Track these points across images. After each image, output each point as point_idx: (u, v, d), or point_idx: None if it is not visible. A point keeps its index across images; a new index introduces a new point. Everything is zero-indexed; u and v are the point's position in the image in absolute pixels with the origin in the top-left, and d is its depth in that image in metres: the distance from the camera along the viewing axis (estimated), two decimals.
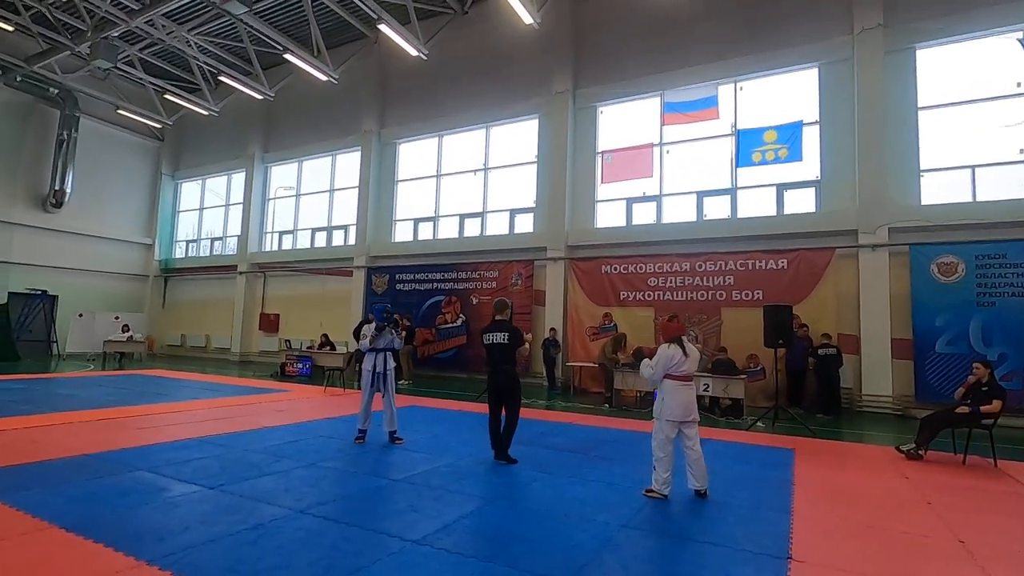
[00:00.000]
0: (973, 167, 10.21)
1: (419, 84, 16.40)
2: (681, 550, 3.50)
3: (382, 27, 13.61)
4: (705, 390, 9.41)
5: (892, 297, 10.28)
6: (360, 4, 13.44)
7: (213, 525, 3.60)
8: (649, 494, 4.54)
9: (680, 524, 3.97)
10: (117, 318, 18.45)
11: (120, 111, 19.67)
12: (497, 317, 5.84)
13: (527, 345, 5.80)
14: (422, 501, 4.27)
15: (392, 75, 17.08)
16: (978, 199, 10.07)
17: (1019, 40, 10.01)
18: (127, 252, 21.35)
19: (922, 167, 10.54)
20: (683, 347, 4.69)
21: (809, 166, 11.48)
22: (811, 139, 11.45)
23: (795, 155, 11.51)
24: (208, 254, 21.32)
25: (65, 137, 18.91)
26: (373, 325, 6.60)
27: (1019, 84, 10.07)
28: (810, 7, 11.56)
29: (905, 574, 3.22)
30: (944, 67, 10.56)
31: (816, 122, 11.44)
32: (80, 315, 18.03)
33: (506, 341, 5.62)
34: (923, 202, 10.43)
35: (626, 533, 3.71)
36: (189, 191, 22.62)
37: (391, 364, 6.66)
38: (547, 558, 3.23)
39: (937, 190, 10.44)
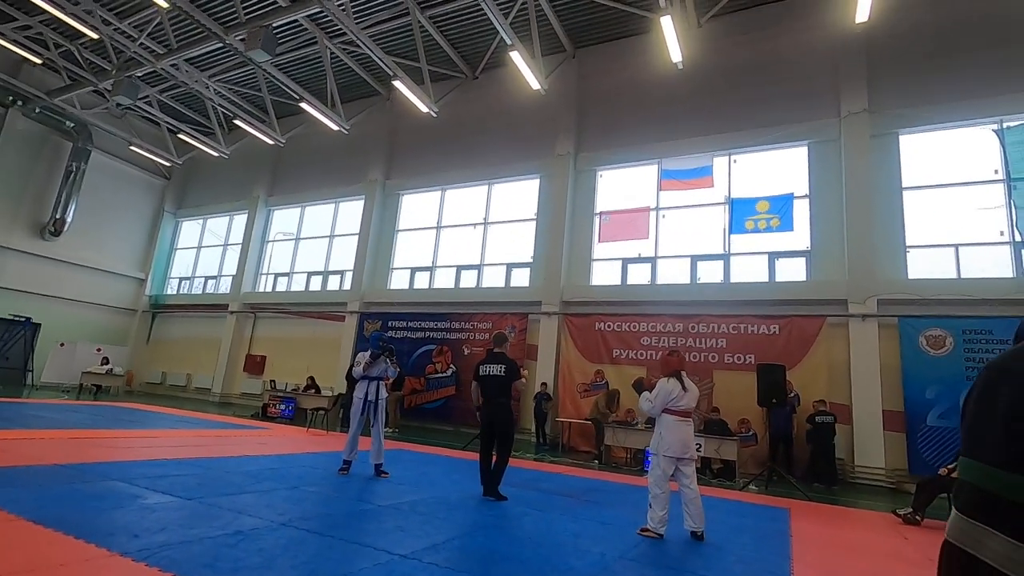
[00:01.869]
0: (957, 245, 10.61)
1: (427, 140, 17.06)
2: None
3: (396, 83, 14.33)
4: (697, 450, 9.23)
5: (883, 368, 10.34)
6: (378, 62, 14.22)
7: (191, 528, 3.42)
8: (644, 533, 4.38)
9: (678, 559, 3.82)
10: (99, 350, 18.05)
11: (132, 147, 20.17)
12: (495, 350, 5.81)
13: (523, 380, 5.74)
14: (410, 523, 4.08)
15: (401, 130, 17.79)
16: (963, 276, 10.39)
17: (994, 131, 10.71)
18: (118, 285, 21.18)
19: (908, 243, 10.92)
20: (682, 382, 4.67)
21: (800, 236, 11.87)
22: (802, 211, 11.91)
23: (787, 225, 11.93)
24: (201, 292, 21.21)
25: (74, 169, 19.23)
26: (368, 353, 6.52)
27: (996, 171, 10.67)
28: (800, 91, 12.36)
29: None
30: (927, 151, 11.19)
31: (806, 195, 11.94)
32: (62, 344, 17.62)
33: (503, 374, 5.57)
34: (910, 276, 10.74)
35: (623, 563, 3.56)
36: (189, 229, 22.80)
37: (383, 393, 6.53)
38: None
39: (923, 265, 10.77)
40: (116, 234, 21.16)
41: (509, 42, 12.24)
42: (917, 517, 6.15)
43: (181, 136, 19.72)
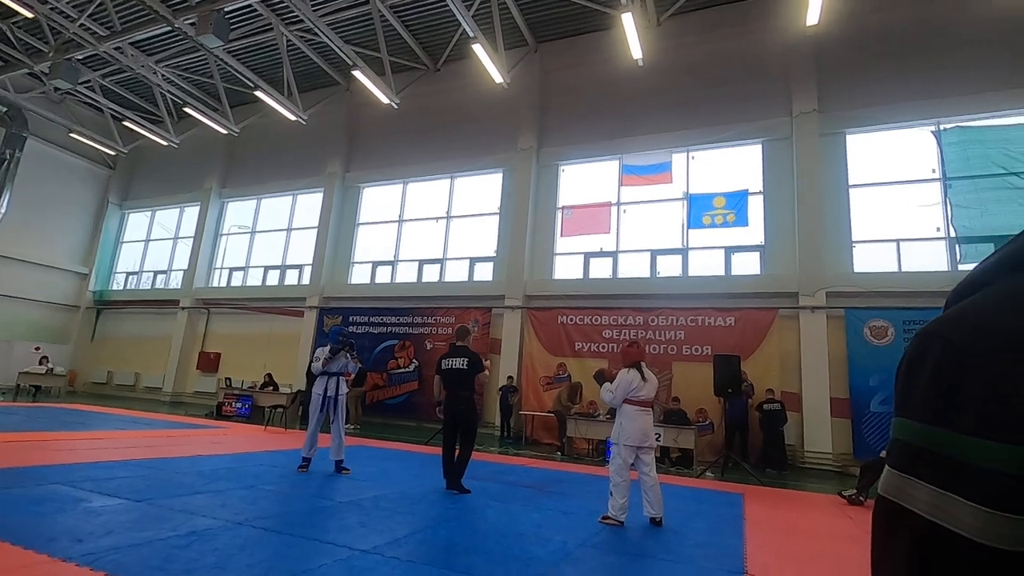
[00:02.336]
0: (898, 240, 11.18)
1: (388, 132, 16.78)
2: (640, 565, 3.43)
3: (357, 73, 14.02)
4: (657, 440, 9.45)
5: (830, 357, 10.82)
6: (338, 52, 13.88)
7: (140, 531, 3.29)
8: (606, 521, 4.46)
9: (638, 544, 3.91)
10: (37, 348, 17.08)
11: (73, 135, 19.07)
12: (458, 343, 5.80)
13: (487, 372, 5.74)
14: (371, 519, 4.04)
15: (362, 121, 17.44)
16: (903, 269, 10.96)
17: (932, 133, 11.30)
18: (59, 280, 20.04)
19: (854, 238, 11.45)
20: (642, 372, 4.77)
21: (754, 231, 12.26)
22: (756, 207, 12.30)
23: (741, 221, 12.30)
24: (150, 287, 20.31)
25: (7, 156, 18.04)
26: (328, 348, 6.39)
27: (933, 171, 11.28)
28: (754, 90, 12.73)
29: None
30: (872, 151, 11.73)
31: (760, 192, 12.34)
32: None
33: (466, 367, 5.56)
34: (856, 269, 11.26)
35: (584, 551, 3.62)
36: (136, 222, 21.75)
37: (343, 389, 6.41)
38: (504, 568, 3.10)
39: (868, 259, 11.31)
40: (56, 226, 20.00)
41: (471, 34, 12.14)
42: (861, 498, 6.47)
43: (127, 124, 18.75)
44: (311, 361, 6.52)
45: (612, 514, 4.46)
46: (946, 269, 10.55)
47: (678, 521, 4.68)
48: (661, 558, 3.57)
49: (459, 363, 5.59)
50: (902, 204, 11.25)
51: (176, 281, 19.51)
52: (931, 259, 10.80)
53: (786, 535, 4.62)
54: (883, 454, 6.79)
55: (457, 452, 5.54)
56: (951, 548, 0.32)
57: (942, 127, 11.12)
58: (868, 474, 6.59)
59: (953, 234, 10.70)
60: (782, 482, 8.44)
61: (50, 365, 15.73)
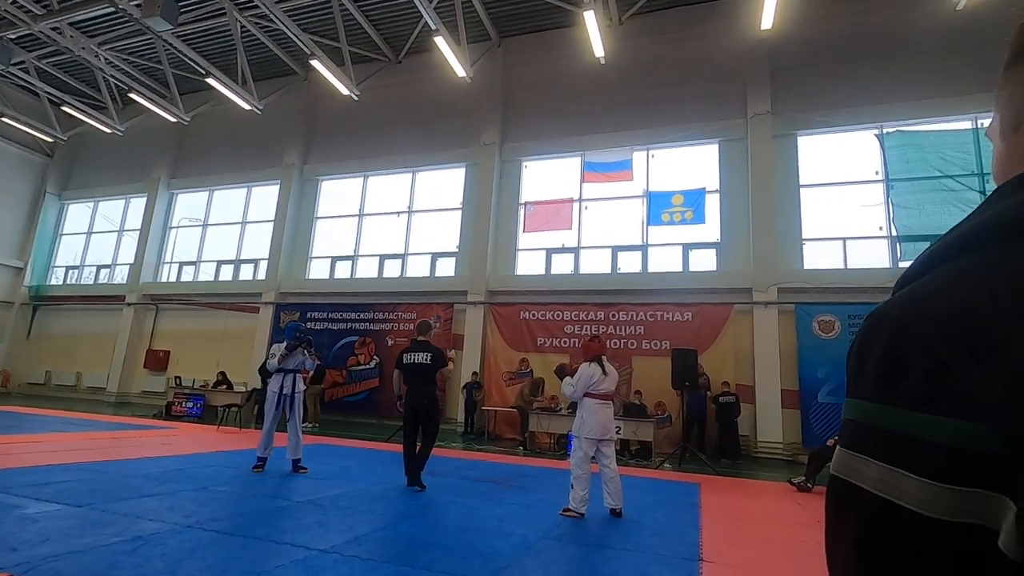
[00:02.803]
0: (844, 239, 11.69)
1: (347, 124, 16.42)
2: (601, 555, 3.48)
3: (315, 63, 13.65)
4: (617, 433, 9.62)
5: (782, 351, 11.24)
6: (295, 40, 13.48)
7: (81, 538, 3.12)
8: (566, 513, 4.50)
9: (599, 535, 3.97)
10: None
11: (4, 119, 17.87)
12: (419, 338, 5.74)
13: (450, 365, 5.71)
14: (330, 518, 3.96)
15: (320, 113, 17.00)
16: (849, 266, 11.48)
17: (876, 136, 11.86)
18: None
19: (804, 236, 11.91)
20: (603, 366, 4.83)
21: (711, 229, 12.59)
22: (713, 205, 12.63)
23: (699, 218, 12.61)
24: (92, 282, 19.27)
25: None
26: (284, 344, 6.22)
27: (876, 172, 11.84)
28: (712, 91, 13.06)
29: (804, 572, 3.40)
30: (821, 152, 12.22)
31: (717, 190, 12.68)
32: None
33: (428, 361, 5.51)
34: (805, 266, 11.72)
35: (546, 543, 3.65)
36: (76, 213, 20.59)
37: (300, 387, 6.25)
38: (466, 563, 3.09)
39: (816, 256, 11.80)
40: None
41: (434, 27, 12.00)
42: (809, 485, 6.75)
43: (65, 109, 17.72)
44: (267, 358, 6.33)
45: (573, 506, 4.51)
46: (888, 266, 11.11)
47: (637, 512, 4.77)
48: (620, 548, 3.64)
49: (421, 357, 5.53)
50: (848, 204, 11.77)
51: (121, 276, 18.59)
52: (874, 256, 11.34)
53: (739, 522, 4.78)
54: (830, 442, 7.11)
55: (418, 447, 5.49)
56: (899, 521, 0.33)
57: (885, 131, 11.67)
58: (815, 462, 6.88)
59: (894, 233, 11.26)
60: (736, 471, 8.72)
61: None
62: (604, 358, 4.92)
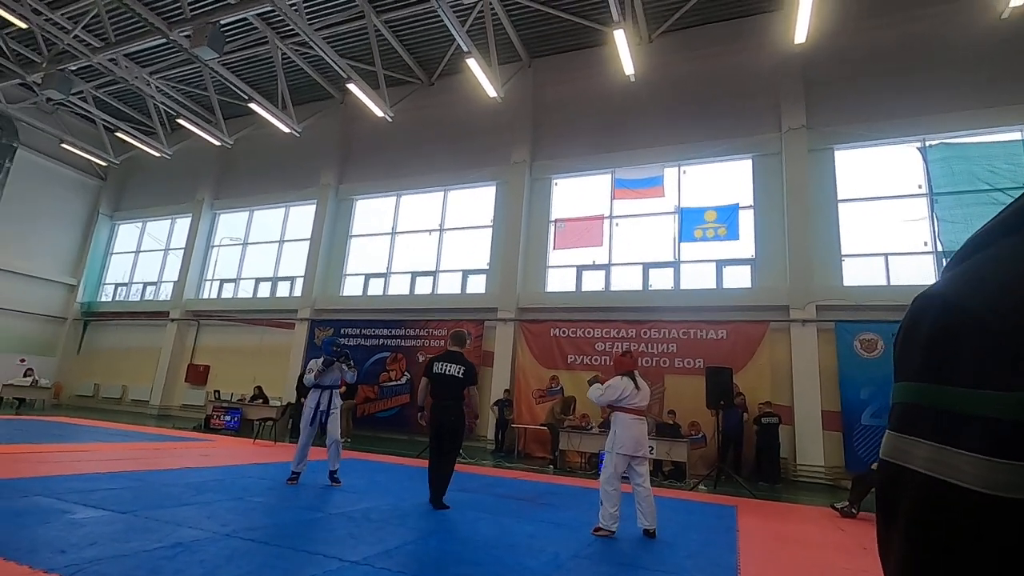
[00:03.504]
0: (886, 255, 11.31)
1: (381, 145, 16.85)
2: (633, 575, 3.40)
3: (351, 86, 14.10)
4: (650, 452, 9.42)
5: (821, 370, 10.87)
6: (332, 64, 13.97)
7: (125, 543, 3.22)
8: (598, 532, 4.42)
9: (631, 555, 3.87)
10: (22, 360, 16.83)
11: (64, 145, 18.98)
12: (453, 348, 5.54)
13: (475, 389, 5.53)
14: (361, 531, 3.98)
15: (355, 134, 17.50)
16: (892, 283, 11.08)
17: (918, 149, 11.51)
18: (47, 292, 19.81)
19: (843, 252, 11.57)
20: (635, 381, 4.77)
21: (745, 245, 12.36)
22: (747, 221, 12.41)
23: (732, 234, 12.40)
24: (139, 299, 20.11)
25: None
26: (321, 360, 6.30)
27: (920, 186, 11.46)
28: (745, 106, 12.93)
29: None
30: (860, 166, 11.91)
31: (751, 206, 12.47)
32: None
33: (460, 375, 5.32)
34: (845, 283, 11.36)
35: (577, 561, 3.58)
36: (126, 233, 21.61)
37: (337, 402, 6.29)
38: None
39: (857, 273, 11.43)
40: (45, 237, 19.82)
41: (466, 49, 12.27)
42: (853, 510, 6.46)
43: (119, 135, 18.73)
44: (302, 373, 6.43)
45: (603, 524, 4.42)
46: (933, 282, 10.65)
47: (671, 533, 4.64)
48: (654, 569, 3.54)
49: (454, 370, 5.27)
50: (890, 219, 11.41)
51: (166, 292, 19.35)
52: (919, 273, 10.92)
53: (779, 545, 4.60)
54: (874, 466, 6.82)
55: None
56: (952, 499, 0.33)
57: (928, 143, 11.32)
58: (859, 486, 6.59)
59: (940, 248, 10.84)
60: (775, 495, 8.41)
61: (35, 377, 15.50)
62: (636, 373, 4.85)
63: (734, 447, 10.18)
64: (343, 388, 6.55)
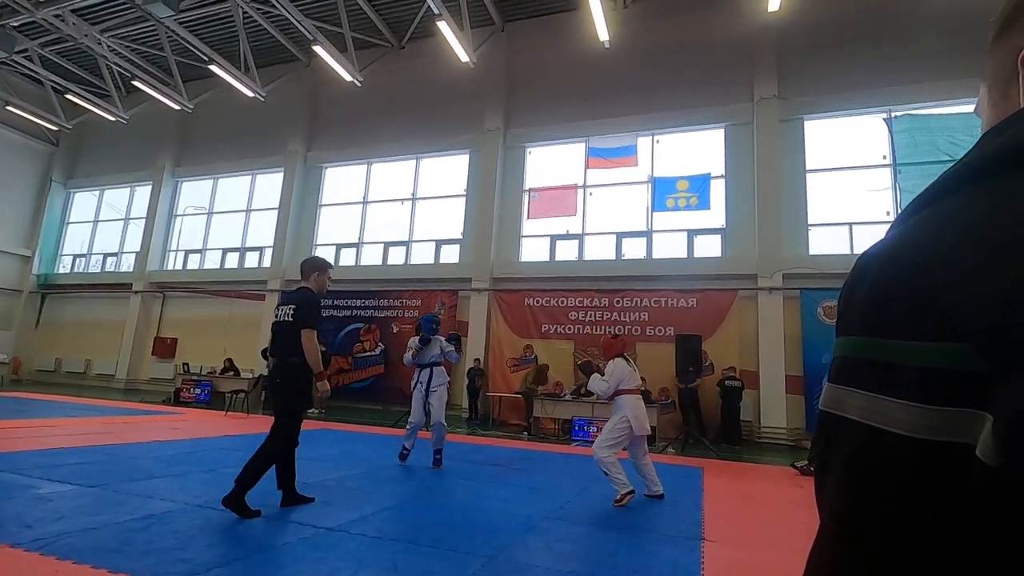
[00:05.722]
0: (851, 224, 11.61)
1: (351, 110, 16.36)
2: (603, 534, 3.53)
3: (317, 48, 13.58)
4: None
5: (786, 337, 11.23)
6: (297, 24, 13.39)
7: (95, 516, 3.19)
8: (623, 499, 4.31)
9: (602, 516, 4.01)
10: None
11: (9, 107, 17.89)
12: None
13: (312, 332, 5.03)
14: (336, 498, 4.02)
15: (323, 99, 16.93)
16: (855, 251, 11.40)
17: (884, 120, 11.72)
18: None
19: (810, 221, 11.83)
20: (628, 361, 4.86)
21: (716, 214, 12.52)
22: (718, 190, 12.55)
23: (704, 204, 12.53)
24: (99, 271, 19.41)
25: None
26: (418, 338, 5.96)
27: (884, 157, 11.72)
28: (718, 75, 12.91)
29: (802, 551, 3.43)
30: (827, 136, 12.10)
31: (722, 176, 12.59)
32: None
33: (290, 318, 5.05)
34: (811, 252, 11.66)
35: (550, 522, 3.69)
36: (83, 201, 20.68)
37: (441, 379, 5.92)
38: (470, 540, 3.14)
39: (822, 242, 11.73)
40: None
41: (436, 11, 11.89)
42: (812, 468, 6.76)
43: (69, 97, 17.73)
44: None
45: (621, 491, 4.34)
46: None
47: (640, 495, 4.81)
48: (623, 527, 3.68)
49: (284, 312, 4.36)
50: (855, 189, 11.67)
51: (128, 264, 18.71)
52: None
53: (741, 503, 4.82)
54: None
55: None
56: (882, 443, 0.35)
57: (893, 114, 11.53)
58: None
59: None
60: (739, 456, 8.76)
61: None
62: (626, 355, 4.95)
63: (693, 411, 10.52)
64: (449, 365, 6.17)
